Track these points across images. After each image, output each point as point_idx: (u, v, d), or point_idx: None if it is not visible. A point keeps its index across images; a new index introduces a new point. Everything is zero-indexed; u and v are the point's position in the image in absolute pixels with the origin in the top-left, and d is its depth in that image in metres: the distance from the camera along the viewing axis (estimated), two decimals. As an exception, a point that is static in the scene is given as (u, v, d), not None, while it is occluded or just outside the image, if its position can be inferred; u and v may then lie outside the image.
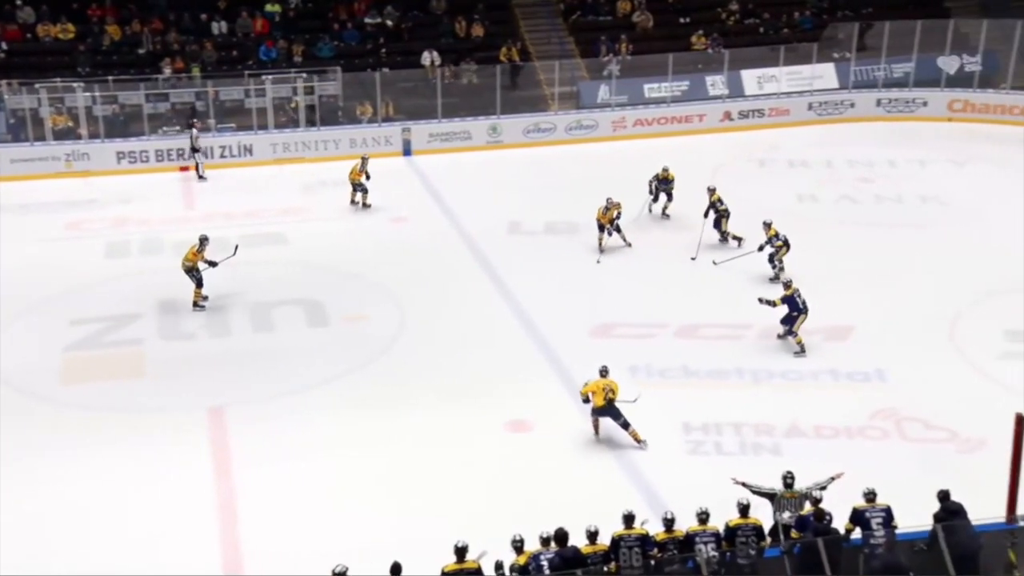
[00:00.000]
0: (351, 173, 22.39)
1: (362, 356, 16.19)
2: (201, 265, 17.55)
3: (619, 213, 19.40)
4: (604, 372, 13.64)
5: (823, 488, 10.90)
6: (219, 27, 28.56)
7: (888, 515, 10.38)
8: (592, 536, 10.29)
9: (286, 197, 23.27)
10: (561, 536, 10.13)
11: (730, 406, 14.41)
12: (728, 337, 16.33)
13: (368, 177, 22.31)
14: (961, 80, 28.10)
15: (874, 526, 10.35)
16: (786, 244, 17.86)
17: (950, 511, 10.21)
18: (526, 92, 28.22)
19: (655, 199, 21.19)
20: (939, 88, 28.10)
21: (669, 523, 10.50)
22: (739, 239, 19.27)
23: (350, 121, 26.89)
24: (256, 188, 23.99)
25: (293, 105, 26.67)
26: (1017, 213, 20.99)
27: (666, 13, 30.93)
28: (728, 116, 27.84)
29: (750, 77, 28.49)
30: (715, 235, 19.51)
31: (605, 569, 10.20)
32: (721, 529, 10.42)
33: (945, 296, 17.24)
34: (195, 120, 25.42)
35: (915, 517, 10.20)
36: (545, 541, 10.19)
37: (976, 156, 24.82)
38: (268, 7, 29.14)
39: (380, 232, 21.30)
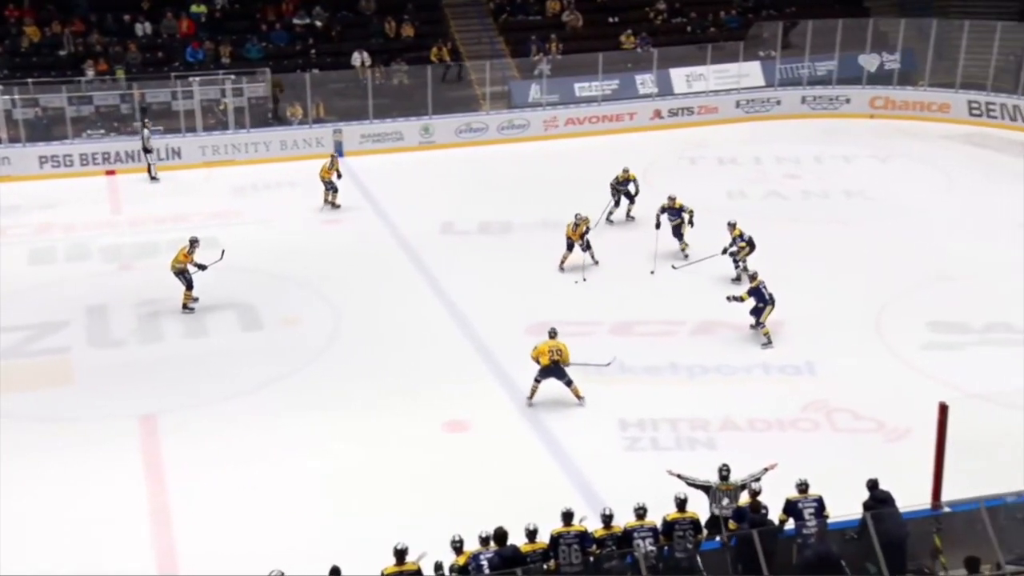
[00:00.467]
0: (321, 171, 22.24)
1: (297, 359, 16.07)
2: (191, 268, 17.37)
3: (588, 228, 18.64)
4: (553, 334, 14.46)
5: (757, 480, 11.09)
6: (143, 28, 28.08)
7: (820, 505, 10.58)
8: (531, 534, 10.32)
9: (217, 200, 22.99)
10: (500, 535, 10.16)
11: (665, 402, 14.56)
12: (662, 334, 16.51)
13: (339, 175, 22.18)
14: (882, 78, 28.79)
15: (806, 516, 10.54)
16: (750, 245, 17.98)
17: (879, 499, 10.45)
18: (458, 92, 28.23)
19: (616, 203, 20.88)
20: (861, 85, 28.76)
21: (607, 519, 10.58)
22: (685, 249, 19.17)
23: (280, 123, 26.65)
24: (185, 191, 23.65)
25: (222, 107, 26.33)
26: (938, 207, 21.58)
27: (595, 12, 31.18)
28: (658, 114, 28.17)
29: (679, 76, 28.85)
30: (673, 242, 19.19)
31: (545, 567, 10.22)
32: (659, 524, 10.53)
33: (871, 289, 17.63)
34: (146, 120, 25.00)
35: (846, 506, 10.40)
36: (484, 541, 10.21)
37: (898, 152, 25.44)
38: (194, 8, 28.74)
39: (313, 234, 21.15)
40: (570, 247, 18.58)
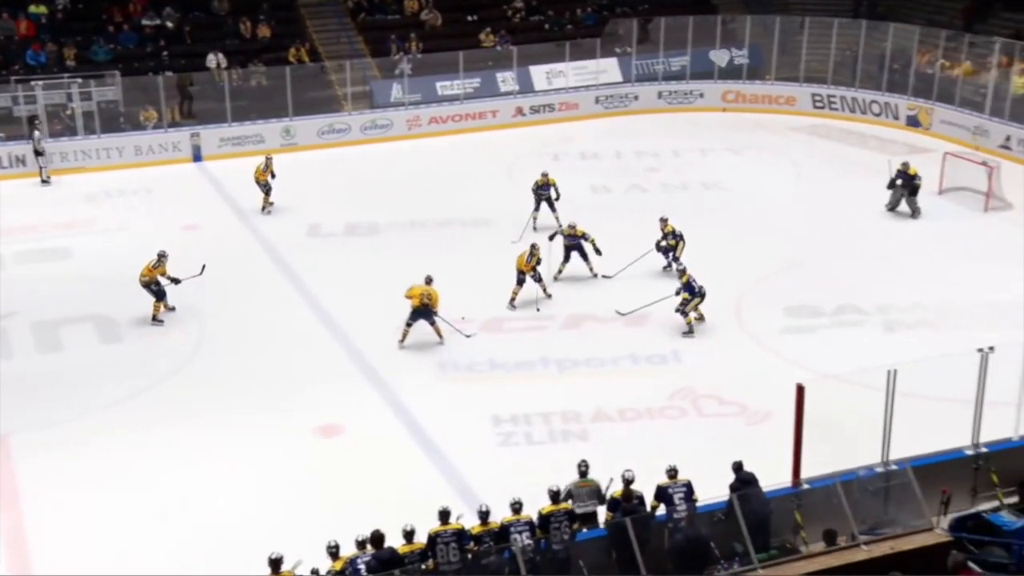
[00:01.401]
0: (256, 172, 21.72)
1: (161, 370, 15.64)
2: (163, 280, 16.88)
3: (539, 260, 17.27)
4: (429, 280, 15.87)
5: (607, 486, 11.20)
6: (-23, 30, 26.77)
7: (689, 489, 10.90)
8: (408, 535, 10.32)
9: (67, 209, 22.09)
10: (377, 538, 10.13)
11: (537, 396, 14.75)
12: (532, 329, 16.71)
13: (274, 176, 21.66)
14: (732, 72, 29.75)
15: (676, 501, 10.85)
16: (681, 239, 18.25)
17: (744, 480, 10.82)
18: (319, 93, 27.85)
19: (537, 208, 20.39)
20: (713, 80, 29.64)
21: (484, 515, 10.66)
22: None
23: (133, 127, 25.78)
24: (32, 201, 22.65)
25: (69, 112, 25.30)
26: (789, 197, 22.45)
27: (454, 11, 31.23)
28: (520, 111, 28.44)
29: (539, 73, 29.18)
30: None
31: (423, 567, 10.25)
32: (535, 517, 10.67)
33: (731, 277, 18.17)
34: (37, 121, 23.90)
35: (714, 489, 10.75)
36: (361, 544, 10.16)
37: (750, 144, 26.33)
38: (33, 8, 27.49)
39: (172, 241, 20.42)
40: (520, 282, 17.29)
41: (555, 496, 10.77)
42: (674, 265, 17.85)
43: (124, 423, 14.19)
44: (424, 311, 15.78)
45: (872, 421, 11.19)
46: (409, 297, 15.82)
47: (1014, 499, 10.97)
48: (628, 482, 10.91)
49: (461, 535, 10.41)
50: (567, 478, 11.20)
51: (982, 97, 25.73)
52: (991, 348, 11.19)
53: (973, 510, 10.86)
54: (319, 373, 15.49)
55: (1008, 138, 24.54)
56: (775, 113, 28.68)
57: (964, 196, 21.64)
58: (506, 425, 14.09)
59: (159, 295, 16.99)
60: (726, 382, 14.92)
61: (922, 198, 21.13)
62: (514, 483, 11.22)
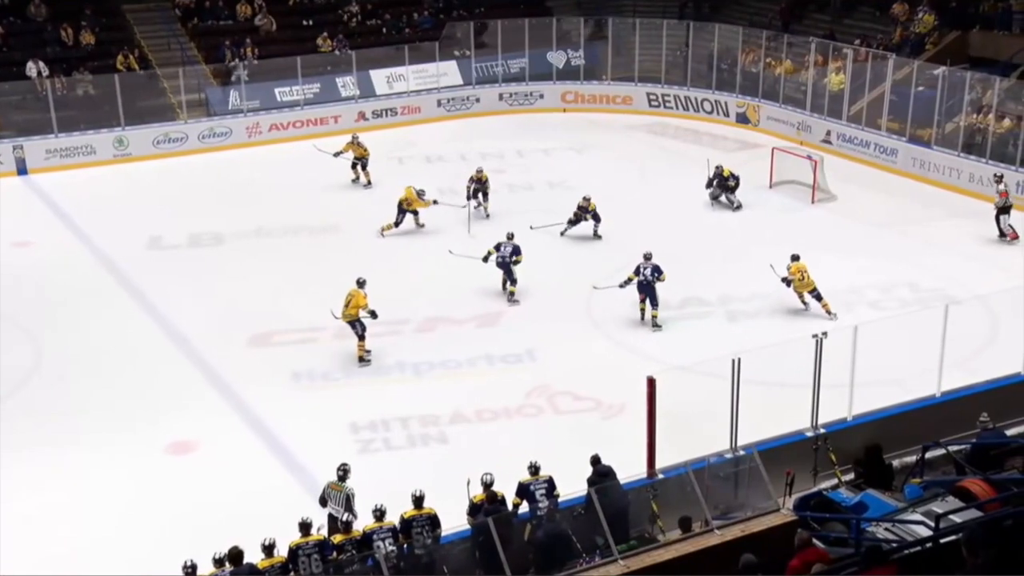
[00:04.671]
0: (350, 150, 22.01)
1: (-6, 396, 14.86)
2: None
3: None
4: (361, 283, 15.70)
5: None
6: None
7: (550, 485, 11.14)
8: (268, 549, 10.17)
9: None
10: (235, 555, 9.95)
11: (395, 401, 14.74)
12: (388, 333, 16.63)
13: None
14: (570, 73, 30.35)
15: (538, 497, 11.08)
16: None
17: (601, 474, 11.12)
18: (151, 102, 26.91)
19: (474, 201, 21.15)
20: (552, 81, 30.16)
21: (347, 525, 10.62)
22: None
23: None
24: None
25: None
26: (632, 193, 23.06)
27: (288, 16, 30.72)
28: (362, 116, 28.23)
29: (379, 77, 29.05)
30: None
31: (285, 581, 10.15)
32: (397, 523, 10.68)
33: (581, 274, 18.47)
34: None
35: (574, 484, 10.99)
36: (219, 562, 9.97)
37: (591, 143, 26.92)
38: None
39: (2, 260, 19.52)
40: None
41: (418, 501, 10.80)
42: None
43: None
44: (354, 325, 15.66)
45: (720, 409, 11.67)
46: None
47: (851, 476, 11.67)
48: (487, 485, 10.99)
49: (323, 546, 10.35)
50: (428, 482, 11.21)
51: (803, 95, 27.09)
52: (824, 333, 11.86)
53: (815, 489, 11.49)
54: (169, 390, 15.06)
55: (829, 133, 25.92)
56: (613, 112, 29.41)
57: (793, 189, 22.74)
58: (364, 432, 14.03)
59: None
60: (580, 378, 15.23)
61: (755, 192, 22.11)
62: (375, 490, 11.21)
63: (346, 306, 15.73)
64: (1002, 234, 19.92)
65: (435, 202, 20.65)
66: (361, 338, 15.73)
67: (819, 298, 16.89)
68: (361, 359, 15.76)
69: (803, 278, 16.88)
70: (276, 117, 27.38)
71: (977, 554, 6.52)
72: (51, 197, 22.73)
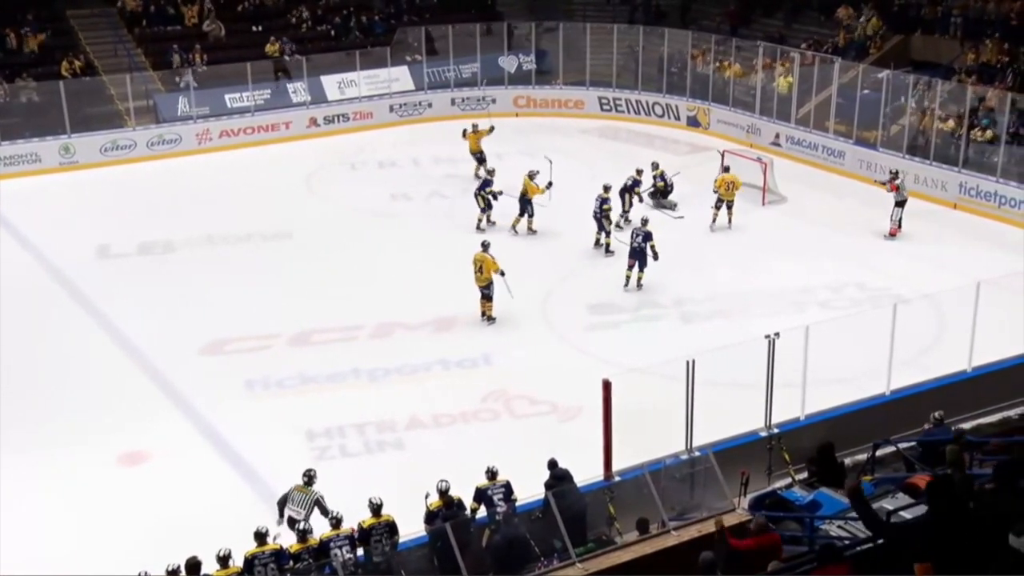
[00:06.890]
0: (469, 140, 22.22)
1: (-59, 411, 14.56)
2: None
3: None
4: (486, 245, 16.58)
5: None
6: None
7: (508, 490, 11.14)
8: (223, 560, 10.08)
9: None
10: (191, 565, 9.85)
11: (351, 407, 14.66)
12: (341, 340, 16.57)
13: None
14: (521, 78, 30.43)
15: (496, 502, 11.08)
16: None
17: (558, 477, 11.14)
18: (98, 108, 26.52)
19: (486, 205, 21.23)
20: (504, 86, 30.21)
21: (303, 534, 10.55)
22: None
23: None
24: None
25: None
26: (584, 197, 23.09)
27: (237, 21, 30.49)
28: (314, 122, 28.07)
29: (330, 82, 28.89)
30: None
31: (240, 591, 10.06)
32: (356, 530, 10.63)
33: (535, 277, 18.52)
34: None
35: (531, 488, 11.02)
36: (173, 573, 9.86)
37: (544, 147, 26.89)
38: None
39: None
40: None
41: (376, 509, 10.76)
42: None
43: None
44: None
45: (676, 410, 11.76)
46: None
47: (804, 475, 11.82)
48: (444, 492, 10.96)
49: (279, 555, 10.28)
50: (385, 489, 11.15)
51: (752, 98, 27.40)
52: (777, 334, 12.00)
53: (769, 488, 11.63)
54: (120, 400, 14.86)
55: (777, 135, 26.26)
56: (565, 116, 29.51)
57: (744, 191, 22.91)
58: (320, 439, 13.94)
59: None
60: (536, 381, 15.26)
61: (707, 195, 22.28)
62: (332, 497, 11.16)
63: (479, 272, 16.68)
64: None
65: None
66: (489, 300, 16.73)
67: (730, 208, 20.45)
68: (491, 319, 16.89)
69: (728, 189, 20.23)
70: (226, 123, 27.12)
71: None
72: (-5, 206, 22.34)
